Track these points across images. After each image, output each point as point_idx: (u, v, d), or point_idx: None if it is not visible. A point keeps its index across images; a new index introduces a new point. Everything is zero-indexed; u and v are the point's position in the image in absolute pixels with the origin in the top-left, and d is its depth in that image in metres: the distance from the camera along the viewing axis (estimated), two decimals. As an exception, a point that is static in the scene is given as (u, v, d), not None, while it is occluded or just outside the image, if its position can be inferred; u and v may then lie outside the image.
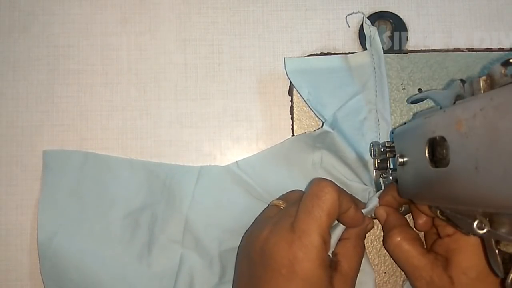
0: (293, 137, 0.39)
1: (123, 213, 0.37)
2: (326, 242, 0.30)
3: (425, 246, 0.35)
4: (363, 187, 0.37)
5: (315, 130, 0.38)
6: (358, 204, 0.35)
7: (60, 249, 0.36)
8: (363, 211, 0.35)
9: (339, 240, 0.33)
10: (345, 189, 0.36)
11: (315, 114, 0.39)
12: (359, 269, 0.33)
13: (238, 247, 0.36)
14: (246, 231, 0.35)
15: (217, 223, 0.37)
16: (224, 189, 0.38)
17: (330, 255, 0.33)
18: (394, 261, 0.36)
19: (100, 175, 0.38)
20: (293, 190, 0.36)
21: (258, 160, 0.39)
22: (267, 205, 0.37)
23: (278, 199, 0.35)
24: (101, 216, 0.37)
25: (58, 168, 0.38)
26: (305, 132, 0.39)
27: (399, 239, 0.33)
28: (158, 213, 0.38)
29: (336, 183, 0.36)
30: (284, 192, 0.37)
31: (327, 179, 0.32)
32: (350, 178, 0.38)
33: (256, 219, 0.35)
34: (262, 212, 0.35)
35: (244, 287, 0.32)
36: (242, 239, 0.35)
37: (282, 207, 0.34)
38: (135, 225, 0.38)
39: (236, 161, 0.39)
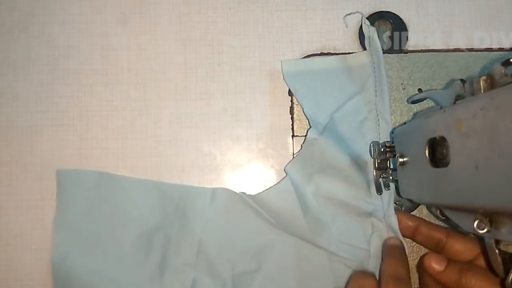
0: (288, 167, 0.39)
1: (136, 233, 0.37)
2: None
3: None
4: (365, 211, 0.37)
5: (301, 146, 0.38)
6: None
7: (73, 269, 0.36)
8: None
9: None
10: (347, 209, 0.37)
11: (307, 118, 0.39)
12: None
13: None
14: None
15: (230, 246, 0.37)
16: (237, 212, 0.38)
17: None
18: None
19: (114, 195, 0.38)
20: (360, 276, 0.34)
21: (266, 197, 0.38)
22: (278, 230, 0.37)
23: None
24: (114, 236, 0.37)
25: (72, 188, 0.38)
26: (294, 155, 0.39)
27: None
28: (172, 234, 0.38)
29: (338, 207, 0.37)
30: (295, 224, 0.37)
31: None
32: (352, 197, 0.37)
33: None
34: None
35: None
36: None
37: None
38: (148, 246, 0.37)
39: (244, 193, 0.38)
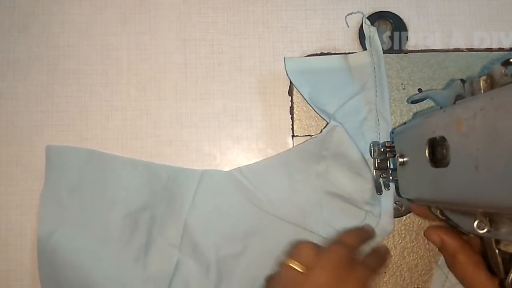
0: (299, 145, 0.38)
1: (123, 213, 0.37)
2: None
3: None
4: (362, 205, 0.37)
5: (321, 130, 0.38)
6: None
7: (58, 246, 0.36)
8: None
9: None
10: (345, 198, 0.37)
11: (317, 114, 0.39)
12: None
13: None
14: None
15: (215, 228, 0.37)
16: (224, 195, 0.38)
17: None
18: (463, 284, 0.35)
19: (103, 174, 0.38)
20: (301, 243, 0.34)
21: (261, 168, 0.38)
22: (266, 214, 0.37)
23: (290, 258, 0.33)
24: (100, 215, 0.37)
25: (61, 164, 0.38)
26: (311, 136, 0.38)
27: (464, 264, 0.33)
28: (158, 215, 0.38)
29: (338, 197, 0.37)
30: (285, 202, 0.37)
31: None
32: (354, 189, 0.37)
33: (273, 285, 0.34)
34: (279, 276, 0.33)
35: None
36: None
37: (300, 270, 0.32)
38: (134, 226, 0.37)
39: (239, 167, 0.39)
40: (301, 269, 0.32)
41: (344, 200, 0.37)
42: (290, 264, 0.33)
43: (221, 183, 0.38)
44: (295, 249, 0.34)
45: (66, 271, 0.36)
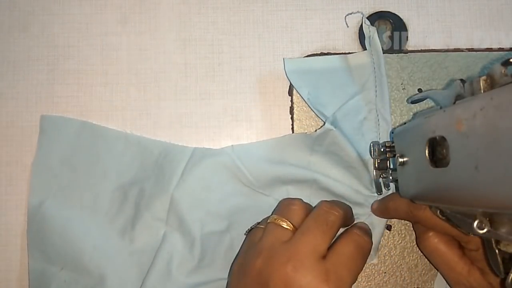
0: (293, 134, 0.39)
1: (113, 186, 0.38)
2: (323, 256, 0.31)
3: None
4: (353, 200, 0.37)
5: (316, 130, 0.38)
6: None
7: (47, 215, 0.37)
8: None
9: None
10: (335, 191, 0.37)
11: (316, 114, 0.39)
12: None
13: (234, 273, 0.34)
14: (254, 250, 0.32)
15: (202, 205, 0.37)
16: (213, 171, 0.38)
17: None
18: (431, 263, 0.36)
19: (95, 145, 0.39)
20: (291, 201, 0.34)
21: (253, 149, 0.39)
22: (254, 192, 0.37)
23: (278, 215, 0.33)
24: (91, 186, 0.38)
25: (54, 134, 0.39)
26: (306, 133, 0.39)
27: (436, 241, 0.33)
28: (146, 189, 0.38)
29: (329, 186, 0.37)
30: (275, 184, 0.37)
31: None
32: (347, 185, 0.37)
33: (261, 242, 0.32)
34: (265, 231, 0.33)
35: None
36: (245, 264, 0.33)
37: (287, 228, 0.32)
38: (123, 199, 0.38)
39: (232, 145, 0.39)
40: (288, 226, 0.32)
41: (333, 194, 0.37)
42: (278, 222, 0.32)
43: (212, 160, 0.38)
44: (284, 206, 0.34)
45: (54, 240, 0.37)
